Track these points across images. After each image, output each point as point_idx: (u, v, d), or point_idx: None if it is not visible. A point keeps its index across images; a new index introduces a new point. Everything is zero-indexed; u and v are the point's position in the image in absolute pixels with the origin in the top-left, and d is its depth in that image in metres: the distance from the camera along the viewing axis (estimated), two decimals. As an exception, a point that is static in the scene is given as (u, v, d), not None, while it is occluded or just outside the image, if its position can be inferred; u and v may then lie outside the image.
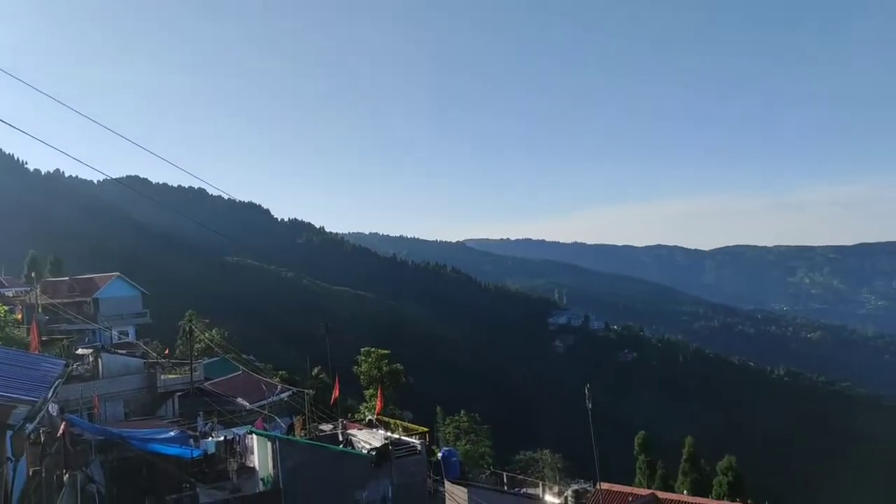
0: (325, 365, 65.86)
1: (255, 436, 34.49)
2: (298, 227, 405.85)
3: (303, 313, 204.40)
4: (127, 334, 74.94)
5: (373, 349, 70.67)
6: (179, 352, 72.10)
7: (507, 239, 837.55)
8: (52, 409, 27.15)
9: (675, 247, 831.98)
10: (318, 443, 34.35)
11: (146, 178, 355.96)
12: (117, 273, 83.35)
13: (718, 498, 48.35)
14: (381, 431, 38.92)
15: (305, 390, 46.81)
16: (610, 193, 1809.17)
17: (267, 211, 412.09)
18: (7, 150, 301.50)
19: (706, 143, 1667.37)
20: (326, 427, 41.30)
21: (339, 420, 41.19)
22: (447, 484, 37.89)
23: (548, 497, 39.04)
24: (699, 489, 54.04)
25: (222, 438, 36.89)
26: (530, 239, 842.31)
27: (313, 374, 73.31)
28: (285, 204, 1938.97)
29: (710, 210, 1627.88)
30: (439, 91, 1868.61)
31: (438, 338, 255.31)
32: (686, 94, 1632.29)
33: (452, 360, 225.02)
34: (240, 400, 50.01)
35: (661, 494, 36.53)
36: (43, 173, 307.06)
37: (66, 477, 23.46)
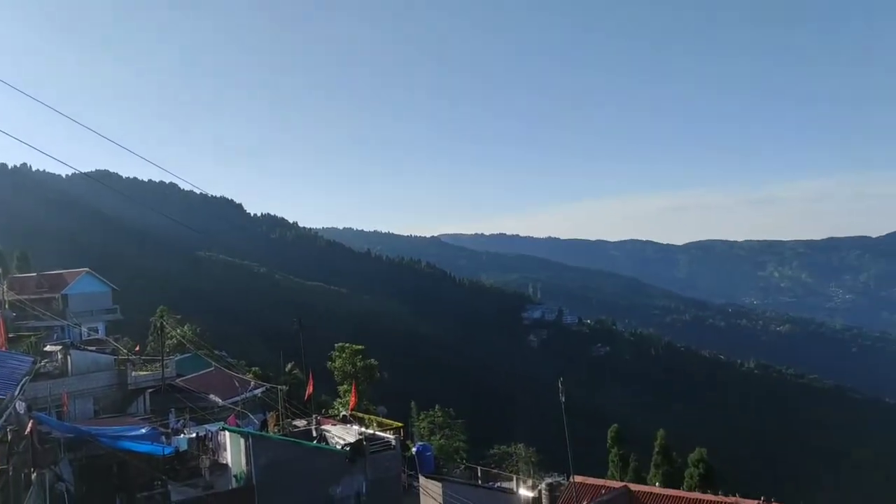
0: (299, 361, 65.45)
1: (227, 432, 34.26)
2: (272, 223, 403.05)
3: (276, 309, 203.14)
4: (97, 331, 73.95)
5: (347, 345, 70.37)
6: (151, 348, 71.23)
7: (482, 234, 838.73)
8: (20, 406, 26.74)
9: (648, 241, 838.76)
10: (292, 439, 34.18)
11: (116, 173, 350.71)
12: (87, 269, 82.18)
13: (690, 489, 48.87)
14: (356, 427, 38.83)
15: (279, 386, 46.38)
16: (583, 189, 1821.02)
17: (240, 206, 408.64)
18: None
19: (679, 140, 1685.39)
20: (300, 423, 41.08)
21: (313, 416, 41.01)
22: (421, 479, 37.88)
23: (522, 491, 39.20)
24: (671, 481, 54.54)
25: (194, 435, 36.60)
26: (504, 234, 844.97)
27: (287, 370, 72.80)
28: (258, 199, 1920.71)
29: (682, 205, 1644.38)
30: (415, 88, 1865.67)
31: (413, 333, 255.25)
32: (659, 92, 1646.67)
33: (427, 355, 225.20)
34: (212, 396, 49.57)
35: (634, 487, 36.83)
36: (10, 167, 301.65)
37: (34, 476, 23.10)
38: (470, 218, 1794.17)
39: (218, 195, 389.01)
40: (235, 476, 31.46)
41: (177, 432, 38.34)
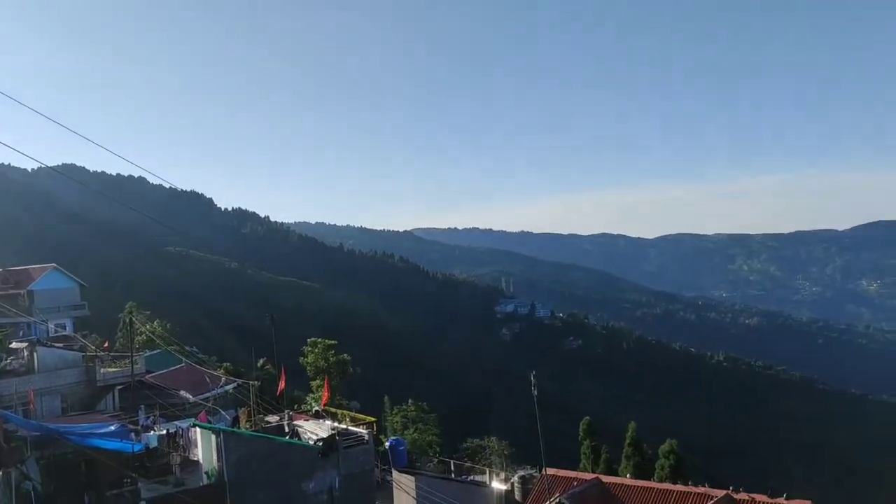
0: (271, 356, 65.08)
1: (198, 429, 33.99)
2: (243, 217, 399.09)
3: (248, 304, 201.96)
4: (64, 327, 72.70)
5: (319, 339, 69.97)
6: (120, 344, 70.27)
7: (455, 228, 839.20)
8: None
9: (620, 235, 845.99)
10: (264, 434, 34.00)
11: (83, 167, 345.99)
12: (53, 264, 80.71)
13: (661, 480, 49.46)
14: (328, 422, 38.70)
15: (251, 382, 46.08)
16: (556, 183, 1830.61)
17: (210, 200, 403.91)
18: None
19: (650, 135, 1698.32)
20: (272, 419, 40.88)
21: (286, 411, 40.81)
22: (395, 473, 37.91)
23: (495, 484, 39.39)
24: (642, 472, 55.14)
25: (165, 432, 36.25)
26: (477, 228, 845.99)
27: (259, 365, 72.42)
28: (229, 193, 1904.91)
29: (653, 199, 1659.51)
30: (387, 80, 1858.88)
31: (386, 327, 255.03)
32: (629, 87, 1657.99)
33: (400, 350, 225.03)
34: (183, 393, 49.08)
35: (606, 478, 37.15)
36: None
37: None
38: (443, 212, 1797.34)
39: (188, 189, 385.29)
40: (207, 473, 31.24)
41: (147, 429, 37.93)
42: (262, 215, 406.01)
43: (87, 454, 29.79)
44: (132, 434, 33.62)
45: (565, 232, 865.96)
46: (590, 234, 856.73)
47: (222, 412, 46.64)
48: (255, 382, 47.07)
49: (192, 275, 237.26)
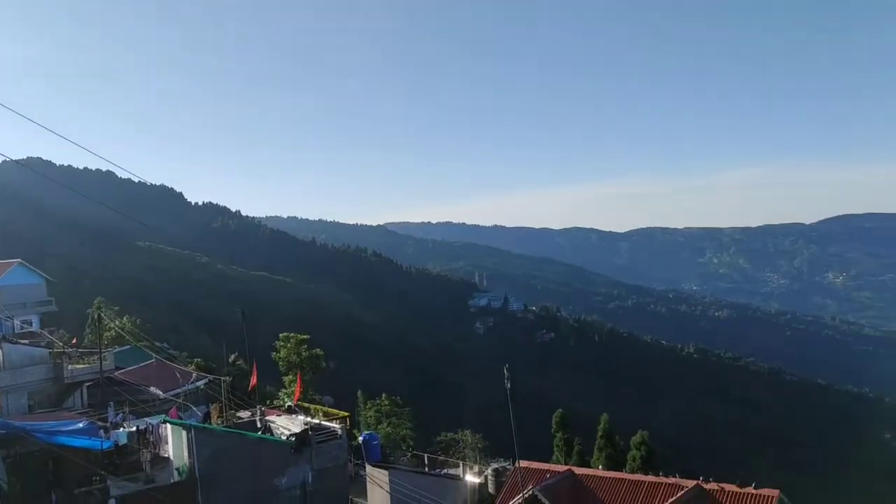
0: (243, 351, 64.56)
1: (169, 425, 33.66)
2: (213, 211, 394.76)
3: (219, 299, 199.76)
4: (31, 324, 71.42)
5: (292, 334, 69.56)
6: (88, 341, 69.36)
7: (428, 222, 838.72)
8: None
9: (592, 229, 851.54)
10: (236, 430, 33.74)
11: (49, 161, 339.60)
12: (18, 259, 79.17)
13: (632, 472, 49.93)
14: (301, 417, 38.51)
15: (222, 378, 45.67)
16: (529, 177, 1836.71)
17: (180, 194, 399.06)
18: None
19: (620, 129, 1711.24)
20: (244, 414, 40.53)
21: (258, 407, 40.50)
22: (368, 467, 37.87)
23: (468, 477, 39.50)
24: (614, 464, 55.62)
25: (134, 429, 35.88)
26: (451, 222, 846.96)
27: (230, 361, 71.74)
28: (200, 188, 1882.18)
29: (624, 194, 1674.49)
30: (355, 75, 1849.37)
31: (359, 322, 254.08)
32: (600, 83, 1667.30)
33: (374, 344, 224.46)
34: (153, 389, 48.61)
35: (578, 470, 37.42)
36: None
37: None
38: (417, 206, 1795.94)
39: (157, 183, 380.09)
40: (178, 469, 30.95)
41: (116, 426, 37.52)
42: (234, 210, 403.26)
43: (54, 452, 29.34)
44: (101, 431, 33.23)
45: (538, 226, 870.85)
46: (562, 228, 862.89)
47: (193, 408, 46.25)
48: (227, 378, 46.64)
49: (163, 270, 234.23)
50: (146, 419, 38.73)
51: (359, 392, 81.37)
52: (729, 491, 30.68)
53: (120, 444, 32.87)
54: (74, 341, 62.79)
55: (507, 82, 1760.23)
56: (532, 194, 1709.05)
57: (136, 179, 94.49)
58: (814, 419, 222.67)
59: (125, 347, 64.14)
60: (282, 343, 68.74)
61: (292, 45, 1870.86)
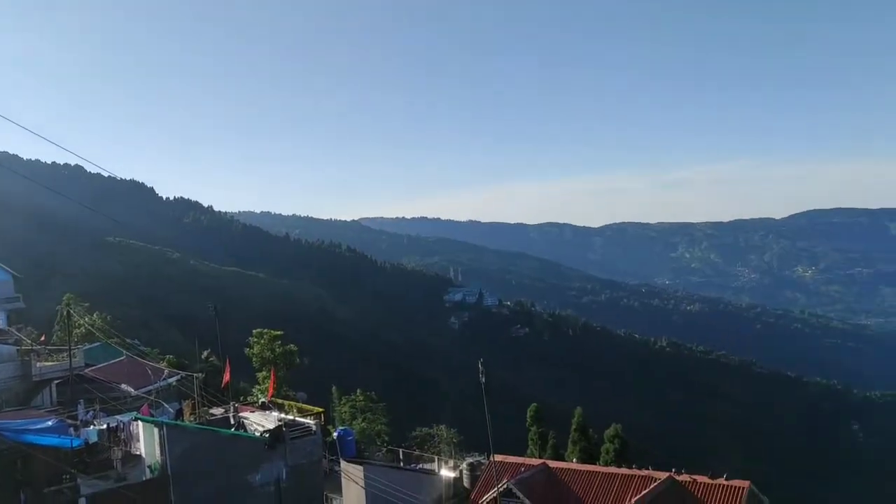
0: (215, 348, 64.08)
1: (140, 422, 33.25)
2: (185, 206, 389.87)
3: (191, 295, 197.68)
4: (-3, 321, 70.33)
5: (265, 330, 69.21)
6: (57, 338, 68.35)
7: (403, 217, 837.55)
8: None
9: (566, 224, 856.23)
10: (209, 427, 33.42)
11: (16, 155, 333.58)
12: (-16, 256, 77.91)
13: (606, 464, 50.47)
14: (275, 413, 38.27)
15: (194, 374, 45.31)
16: (503, 172, 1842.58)
17: (151, 189, 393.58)
18: None
19: (595, 125, 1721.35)
20: (217, 411, 40.18)
21: (231, 403, 40.18)
22: (343, 463, 37.72)
23: (443, 471, 39.60)
24: (588, 457, 56.14)
25: (105, 426, 35.39)
26: (426, 217, 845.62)
27: (203, 357, 71.12)
28: (171, 182, 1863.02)
29: (598, 189, 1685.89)
30: (332, 66, 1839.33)
31: (333, 317, 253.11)
32: (574, 79, 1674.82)
33: (348, 340, 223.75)
34: (124, 386, 48.04)
35: (553, 463, 37.72)
36: None
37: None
38: (391, 201, 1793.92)
39: (128, 178, 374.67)
40: (150, 467, 30.58)
41: (86, 424, 36.98)
42: (206, 205, 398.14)
43: (23, 451, 28.84)
44: (71, 429, 32.72)
45: (512, 221, 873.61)
46: (536, 223, 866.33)
47: (165, 405, 45.81)
48: (200, 374, 46.37)
49: (134, 265, 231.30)
50: (117, 417, 38.25)
51: (333, 388, 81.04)
52: (701, 482, 31.11)
53: (90, 442, 32.38)
54: (43, 338, 61.91)
55: (480, 77, 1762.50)
56: (507, 190, 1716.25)
57: (106, 174, 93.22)
58: (783, 411, 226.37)
59: (95, 344, 63.44)
60: (255, 339, 68.35)
61: (259, 34, 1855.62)
